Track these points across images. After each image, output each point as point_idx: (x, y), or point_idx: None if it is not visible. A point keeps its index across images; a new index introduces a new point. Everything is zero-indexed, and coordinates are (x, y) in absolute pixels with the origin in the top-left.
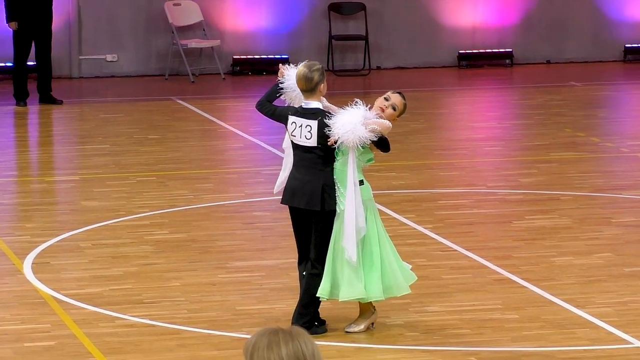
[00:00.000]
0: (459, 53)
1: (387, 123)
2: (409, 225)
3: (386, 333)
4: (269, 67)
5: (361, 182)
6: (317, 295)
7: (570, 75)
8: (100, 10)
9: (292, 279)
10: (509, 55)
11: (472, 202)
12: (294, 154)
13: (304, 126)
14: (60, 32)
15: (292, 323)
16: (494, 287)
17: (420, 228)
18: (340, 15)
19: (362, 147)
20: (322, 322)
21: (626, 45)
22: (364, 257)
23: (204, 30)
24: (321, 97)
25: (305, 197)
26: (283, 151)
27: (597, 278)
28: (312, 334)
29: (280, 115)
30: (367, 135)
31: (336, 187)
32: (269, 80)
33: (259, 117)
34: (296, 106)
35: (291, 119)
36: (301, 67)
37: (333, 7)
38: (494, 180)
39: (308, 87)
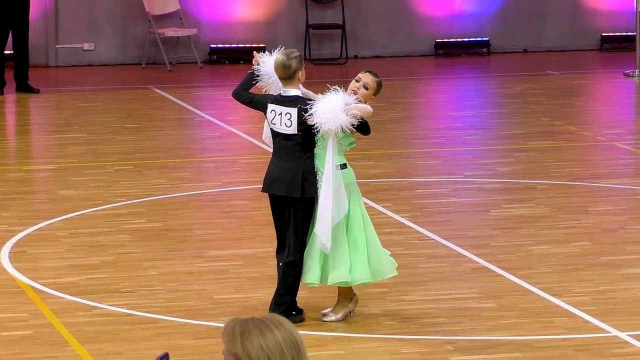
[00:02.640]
0: (436, 42)
1: (368, 108)
2: (386, 214)
3: (364, 322)
4: (245, 56)
5: (344, 166)
6: (307, 282)
7: (547, 64)
8: None
9: (270, 268)
10: (486, 44)
11: (449, 191)
12: (273, 142)
13: (283, 114)
14: (37, 21)
15: (270, 312)
16: (471, 275)
17: (397, 217)
18: (317, 4)
19: (343, 132)
20: (300, 311)
21: (603, 34)
22: (349, 241)
23: (180, 19)
24: (299, 84)
25: (284, 184)
26: (263, 142)
27: (574, 267)
28: None
29: (258, 102)
30: (349, 121)
31: (317, 173)
32: (246, 69)
33: (237, 106)
34: (274, 94)
35: (270, 107)
36: (279, 55)
37: None
38: (471, 169)
39: (286, 74)
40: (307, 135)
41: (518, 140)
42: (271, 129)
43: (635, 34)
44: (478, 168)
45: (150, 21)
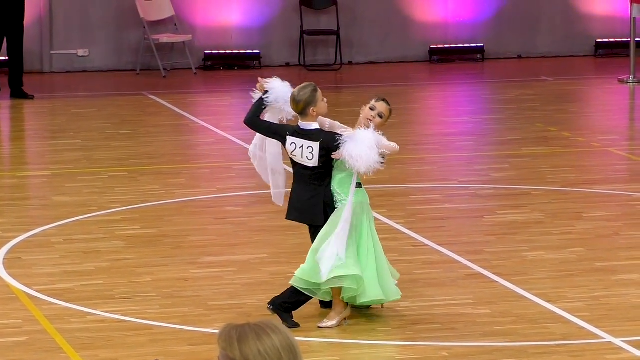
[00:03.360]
0: (431, 48)
1: (396, 147)
2: (380, 220)
3: (358, 328)
4: (240, 62)
5: (359, 185)
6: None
7: (541, 70)
8: (71, 5)
9: (264, 274)
10: (480, 50)
11: (443, 197)
12: (294, 169)
13: (305, 147)
14: (31, 27)
15: (272, 301)
16: (465, 282)
17: (392, 223)
18: (312, 10)
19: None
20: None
21: (597, 40)
22: (360, 259)
23: (175, 25)
24: (317, 117)
25: (308, 214)
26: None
27: (568, 273)
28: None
29: (276, 133)
30: (379, 161)
31: (335, 194)
32: (241, 75)
33: (231, 112)
34: (282, 119)
35: (290, 139)
36: (294, 90)
37: (305, 2)
38: (466, 175)
39: (296, 109)
40: (326, 166)
41: (512, 146)
42: (291, 159)
43: (629, 39)
44: (472, 174)
45: (144, 27)
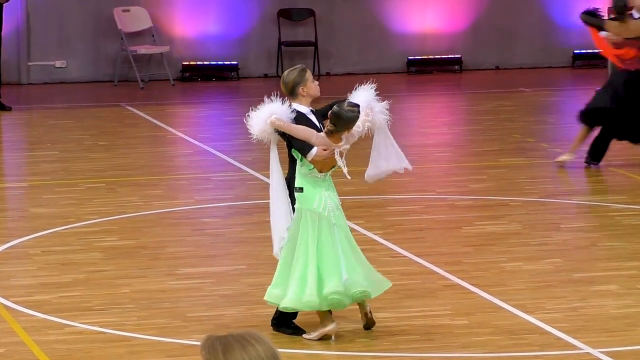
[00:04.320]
0: (409, 59)
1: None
2: (358, 231)
3: (337, 339)
4: (218, 73)
5: (300, 189)
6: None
7: (519, 81)
8: (49, 16)
9: (242, 286)
10: (458, 61)
11: (421, 208)
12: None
13: None
14: (9, 38)
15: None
16: (443, 292)
17: (369, 234)
18: (289, 21)
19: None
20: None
21: (575, 51)
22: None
23: (153, 36)
24: (305, 99)
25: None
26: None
27: (546, 283)
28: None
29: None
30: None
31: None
32: (219, 87)
33: (209, 123)
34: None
35: None
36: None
37: (282, 13)
38: (444, 186)
39: (285, 89)
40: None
41: (490, 157)
42: None
43: None
44: (450, 185)
45: (122, 38)
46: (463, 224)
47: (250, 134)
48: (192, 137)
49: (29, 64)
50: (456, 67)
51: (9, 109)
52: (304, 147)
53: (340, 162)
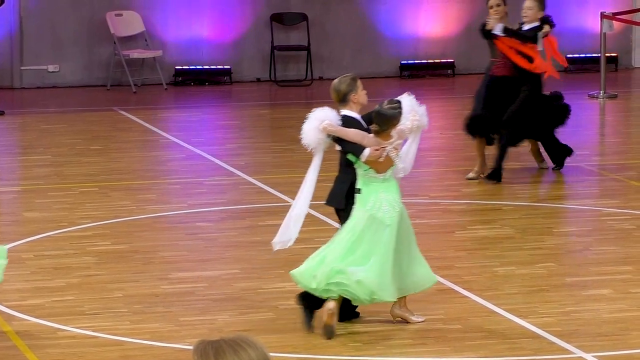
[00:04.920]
0: (402, 63)
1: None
2: None
3: (328, 343)
4: (211, 78)
5: (359, 191)
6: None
7: None
8: (42, 21)
9: (235, 290)
10: (450, 65)
11: (414, 212)
12: None
13: None
14: (2, 42)
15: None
16: (437, 297)
17: None
18: (282, 26)
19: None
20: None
21: (568, 55)
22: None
23: (145, 40)
24: (356, 106)
25: (332, 198)
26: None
27: (539, 288)
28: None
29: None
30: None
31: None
32: (211, 91)
33: (201, 127)
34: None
35: None
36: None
37: (275, 18)
38: (437, 190)
39: (337, 97)
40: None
41: None
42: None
43: (599, 55)
44: (443, 189)
45: (115, 43)
46: (456, 228)
47: (304, 144)
48: (184, 141)
49: (22, 68)
50: (449, 71)
51: (2, 113)
52: (356, 149)
53: (396, 159)
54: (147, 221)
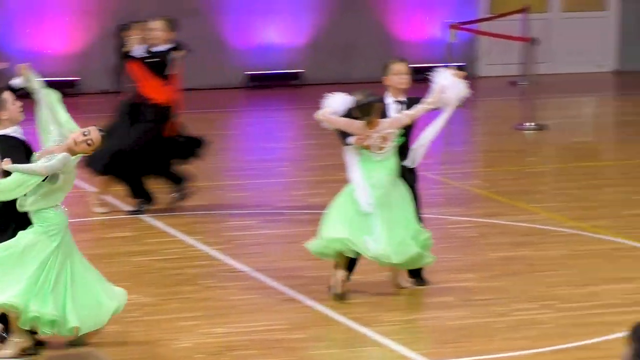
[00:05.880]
0: (247, 74)
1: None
2: (196, 247)
3: (174, 356)
4: (59, 88)
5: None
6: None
7: None
8: None
9: None
10: (297, 75)
11: (260, 223)
12: None
13: None
14: None
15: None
16: (282, 307)
17: (208, 249)
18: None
19: None
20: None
21: (413, 66)
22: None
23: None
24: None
25: None
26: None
27: (383, 296)
28: None
29: None
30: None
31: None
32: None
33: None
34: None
35: None
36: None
37: (124, 29)
38: (283, 200)
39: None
40: None
41: (330, 171)
42: None
43: (447, 65)
44: (289, 199)
45: None
46: (301, 238)
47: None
48: None
49: None
50: (296, 81)
51: None
52: (343, 136)
53: (373, 143)
54: None
